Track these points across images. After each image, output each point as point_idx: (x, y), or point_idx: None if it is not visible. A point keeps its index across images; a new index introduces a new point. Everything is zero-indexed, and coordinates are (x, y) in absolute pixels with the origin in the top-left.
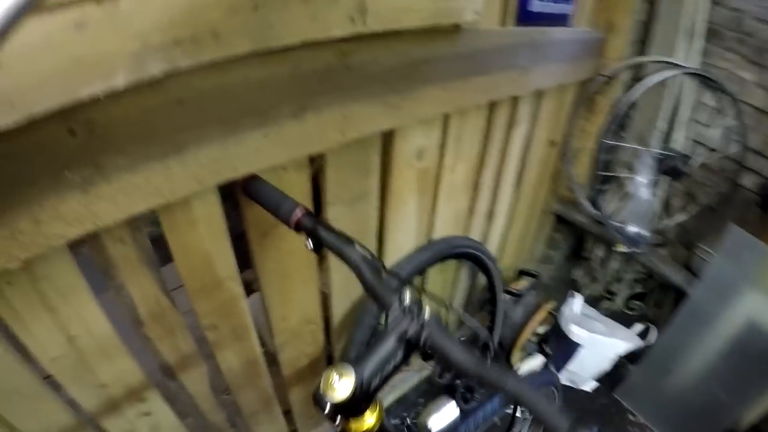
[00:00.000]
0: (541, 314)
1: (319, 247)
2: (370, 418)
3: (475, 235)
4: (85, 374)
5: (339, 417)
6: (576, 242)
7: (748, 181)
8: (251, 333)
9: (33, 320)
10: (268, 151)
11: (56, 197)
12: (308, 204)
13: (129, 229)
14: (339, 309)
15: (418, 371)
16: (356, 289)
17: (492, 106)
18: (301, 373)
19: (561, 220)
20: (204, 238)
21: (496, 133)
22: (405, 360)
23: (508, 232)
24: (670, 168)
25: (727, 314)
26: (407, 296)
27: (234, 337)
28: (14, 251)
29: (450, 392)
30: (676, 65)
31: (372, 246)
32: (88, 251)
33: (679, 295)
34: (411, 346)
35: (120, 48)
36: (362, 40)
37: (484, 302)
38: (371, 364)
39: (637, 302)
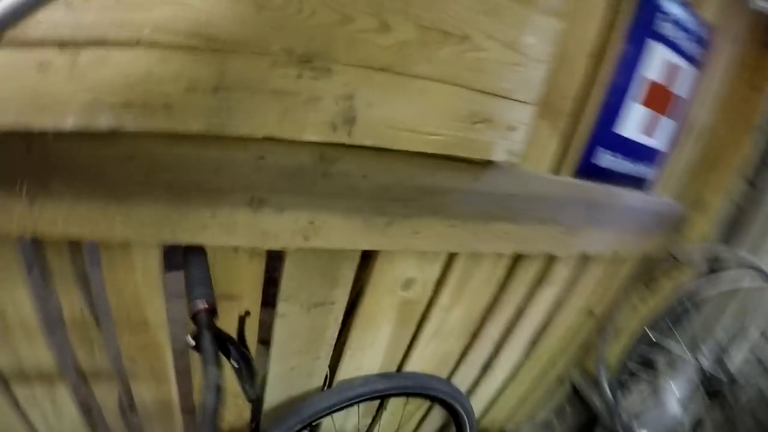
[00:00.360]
0: None
1: (197, 347)
2: None
3: (462, 382)
4: (6, 340)
5: None
6: (587, 422)
7: None
8: (170, 382)
9: None
10: (214, 232)
11: (8, 197)
12: (257, 293)
13: (69, 247)
14: (274, 396)
15: None
16: (300, 386)
17: (517, 258)
18: None
19: (576, 394)
20: (139, 285)
21: (517, 288)
22: None
23: (506, 389)
24: (713, 389)
25: None
26: None
27: (151, 377)
28: None
29: None
30: (764, 273)
31: (324, 358)
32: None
33: None
34: None
35: (73, 95)
36: (350, 149)
37: None
38: None
39: None
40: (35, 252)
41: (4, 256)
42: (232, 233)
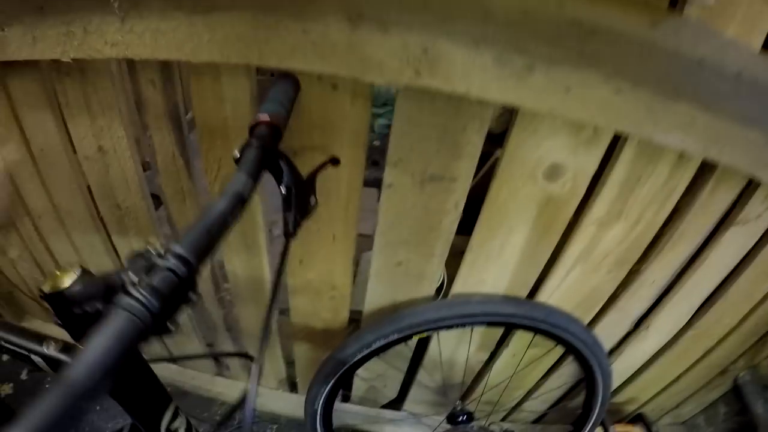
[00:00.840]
0: None
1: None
2: None
3: (605, 336)
4: (106, 186)
5: None
6: (741, 429)
7: None
8: (262, 251)
9: (77, 113)
10: (306, 53)
11: (101, 17)
12: (360, 150)
13: (161, 74)
14: (375, 299)
15: None
16: (406, 289)
17: (704, 171)
18: (310, 332)
19: (737, 394)
20: (228, 120)
21: (697, 217)
22: None
23: (655, 360)
24: None
25: None
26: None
27: (243, 245)
28: (67, 48)
29: None
30: None
31: (438, 256)
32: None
33: None
34: None
35: None
36: None
37: (573, 420)
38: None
39: None
40: (131, 82)
41: (104, 87)
42: (326, 57)
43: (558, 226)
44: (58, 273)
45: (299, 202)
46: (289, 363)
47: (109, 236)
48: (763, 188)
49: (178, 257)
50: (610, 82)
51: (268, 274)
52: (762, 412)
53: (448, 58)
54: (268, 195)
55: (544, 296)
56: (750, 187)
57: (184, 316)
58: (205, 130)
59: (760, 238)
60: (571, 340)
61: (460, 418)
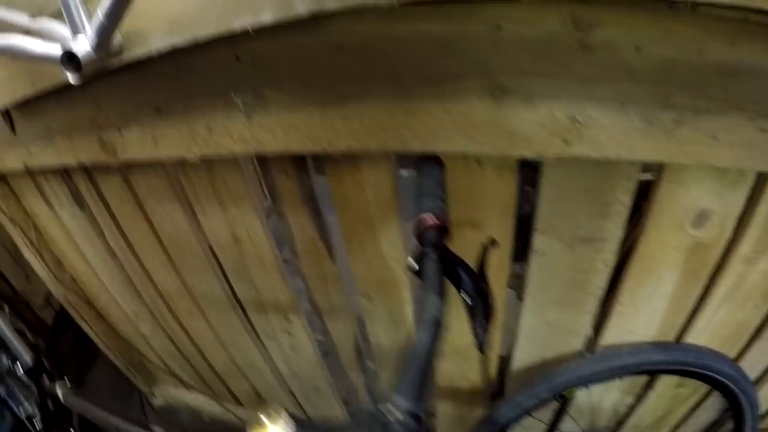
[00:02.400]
0: None
1: (419, 273)
2: None
3: (752, 369)
4: (243, 270)
5: None
6: None
7: None
8: (407, 322)
9: (207, 205)
10: (449, 134)
11: (224, 114)
12: (508, 221)
13: (293, 164)
14: (523, 357)
15: None
16: (555, 347)
17: None
18: (456, 392)
19: None
20: (369, 205)
21: None
22: None
23: None
24: None
25: None
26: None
27: (387, 317)
28: (191, 147)
29: None
30: None
31: (588, 313)
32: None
33: None
34: None
35: None
36: (613, 6)
37: None
38: None
39: None
40: (263, 174)
41: (234, 181)
42: (471, 135)
43: (706, 269)
44: (264, 420)
45: (484, 306)
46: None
47: (246, 314)
48: None
49: (410, 414)
50: (754, 122)
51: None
52: None
53: (596, 123)
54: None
55: (691, 337)
56: None
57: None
58: (345, 215)
59: None
60: (720, 379)
61: None
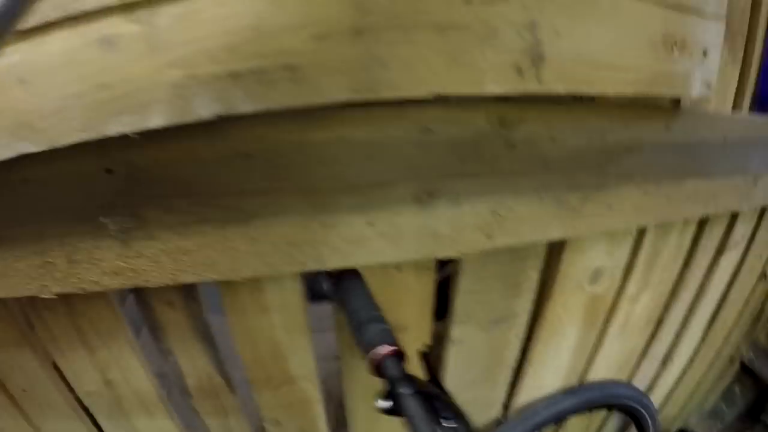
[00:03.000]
0: None
1: (395, 410)
2: None
3: (641, 382)
4: (121, 419)
5: None
6: (757, 399)
7: None
8: None
9: (70, 350)
10: (372, 246)
11: (92, 241)
12: (428, 318)
13: (181, 294)
14: None
15: None
16: (474, 421)
17: (702, 224)
18: None
19: (745, 370)
20: (276, 329)
21: (700, 260)
22: None
23: (681, 380)
24: None
25: None
26: None
27: None
28: (47, 283)
29: None
30: None
31: (503, 384)
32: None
33: None
34: None
35: (155, 76)
36: (535, 103)
37: None
38: None
39: None
40: (140, 306)
41: (102, 317)
42: (398, 243)
43: (601, 317)
44: None
45: (465, 425)
46: None
47: None
48: (743, 216)
49: None
50: (640, 188)
51: None
52: None
53: (516, 214)
54: None
55: (592, 374)
56: (733, 218)
57: None
58: (247, 344)
59: (744, 251)
60: (621, 402)
61: None
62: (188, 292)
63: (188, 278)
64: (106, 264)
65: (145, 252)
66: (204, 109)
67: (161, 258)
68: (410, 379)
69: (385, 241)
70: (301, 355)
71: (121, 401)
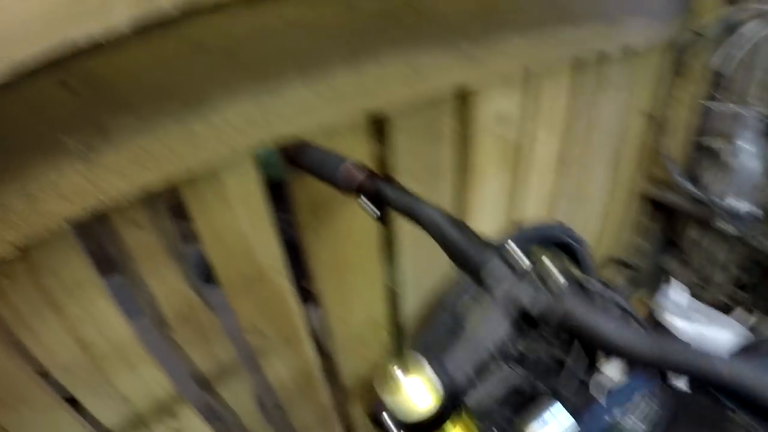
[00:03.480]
0: (635, 306)
1: (378, 207)
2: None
3: (564, 218)
4: (103, 386)
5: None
6: (668, 228)
7: None
8: (304, 337)
9: (37, 321)
10: (315, 108)
11: (53, 168)
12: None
13: (145, 210)
14: (410, 309)
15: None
16: (431, 282)
17: (577, 65)
18: (365, 384)
19: (652, 204)
20: (240, 220)
21: (583, 97)
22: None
23: (598, 218)
24: None
25: None
26: (516, 253)
27: (283, 343)
28: (6, 235)
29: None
30: None
31: None
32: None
33: None
34: (529, 323)
35: None
36: None
37: None
38: (463, 356)
39: (740, 292)
40: (106, 238)
41: (67, 265)
42: (338, 102)
43: (514, 158)
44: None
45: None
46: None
47: None
48: (612, 59)
49: None
50: (523, 35)
51: (312, 355)
52: (677, 200)
53: (427, 65)
54: None
55: (522, 213)
56: (603, 57)
57: None
58: (216, 244)
59: (619, 89)
60: (555, 240)
61: None
62: (153, 206)
63: (152, 178)
64: (69, 189)
65: (111, 164)
66: (167, 2)
67: (127, 168)
68: (388, 180)
69: (325, 103)
70: (268, 245)
71: (101, 363)
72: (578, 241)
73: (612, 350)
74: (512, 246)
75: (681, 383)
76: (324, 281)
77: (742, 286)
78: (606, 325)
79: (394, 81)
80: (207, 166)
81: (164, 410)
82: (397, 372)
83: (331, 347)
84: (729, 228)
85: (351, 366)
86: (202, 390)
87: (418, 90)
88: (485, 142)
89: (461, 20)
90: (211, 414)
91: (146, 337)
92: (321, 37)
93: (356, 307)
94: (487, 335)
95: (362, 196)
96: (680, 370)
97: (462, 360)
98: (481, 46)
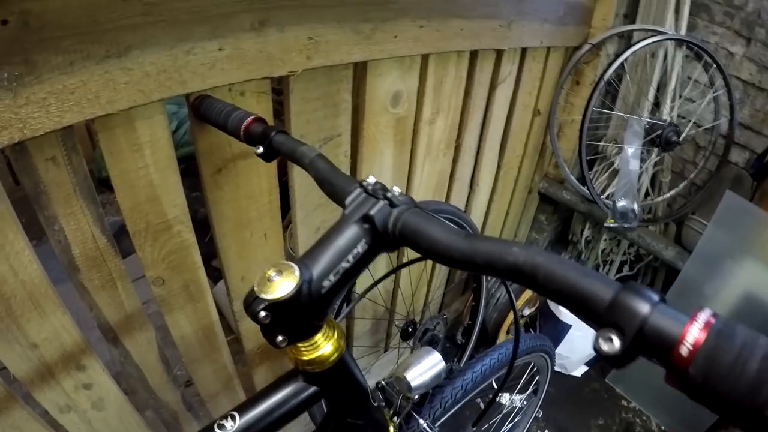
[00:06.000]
0: (527, 294)
1: (270, 155)
2: (325, 344)
3: (457, 203)
4: (12, 329)
5: (282, 338)
6: (561, 225)
7: (738, 156)
8: (206, 293)
9: None
10: (223, 68)
11: None
12: None
13: (64, 148)
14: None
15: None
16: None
17: (473, 59)
18: (267, 350)
19: (546, 200)
20: (149, 167)
21: (478, 90)
22: (369, 255)
23: (491, 206)
24: (661, 138)
25: (723, 287)
26: (371, 180)
27: (185, 297)
28: None
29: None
30: (664, 32)
31: None
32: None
33: (670, 274)
34: (376, 233)
35: None
36: None
37: (467, 281)
38: (323, 257)
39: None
40: (21, 171)
41: None
42: (243, 64)
43: (407, 137)
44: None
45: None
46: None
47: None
48: (506, 54)
49: None
50: (416, 22)
51: (215, 314)
52: (569, 197)
53: (326, 39)
54: None
55: (414, 193)
56: (499, 56)
57: None
58: (126, 189)
59: (515, 88)
60: (453, 220)
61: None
62: (69, 142)
63: (73, 117)
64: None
65: (34, 97)
66: None
67: (49, 101)
68: (274, 127)
69: (232, 64)
70: (173, 194)
71: (10, 303)
72: (469, 223)
73: (435, 252)
74: (372, 179)
75: (576, 372)
76: (226, 238)
77: (627, 279)
78: (432, 228)
79: (295, 51)
80: (123, 113)
81: (72, 361)
82: (272, 272)
83: (231, 307)
84: (613, 225)
85: (251, 328)
86: (108, 340)
87: (316, 61)
88: (379, 118)
89: (359, 2)
90: (118, 370)
91: (56, 280)
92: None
93: (255, 265)
94: (345, 244)
95: (260, 147)
96: (486, 261)
97: (325, 265)
98: (378, 29)
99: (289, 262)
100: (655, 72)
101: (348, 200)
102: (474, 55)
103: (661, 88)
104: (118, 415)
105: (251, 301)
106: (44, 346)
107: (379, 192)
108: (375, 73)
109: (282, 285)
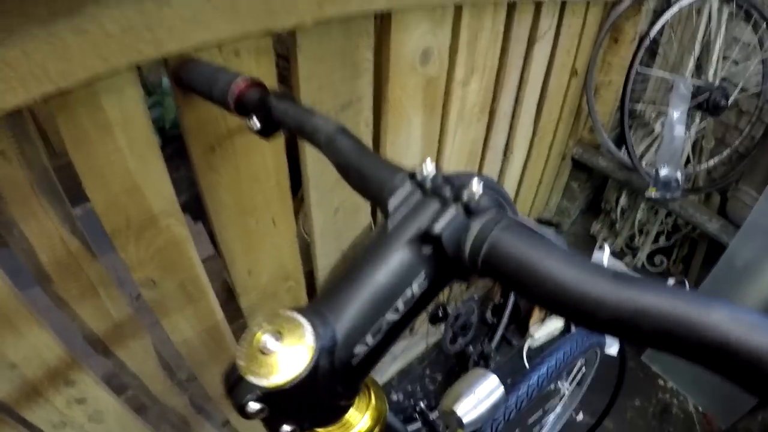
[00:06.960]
0: None
1: (269, 129)
2: (360, 419)
3: (490, 173)
4: None
5: (291, 429)
6: (594, 193)
7: None
8: (207, 291)
9: None
10: (209, 20)
11: None
12: None
13: (14, 140)
14: (325, 260)
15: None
16: (348, 232)
17: (511, 11)
18: None
19: (579, 167)
20: (123, 153)
21: (516, 47)
22: (430, 294)
23: (524, 175)
24: (708, 101)
25: None
26: (429, 168)
27: (183, 298)
28: None
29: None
30: None
31: None
32: None
33: (711, 248)
34: (443, 260)
35: None
36: None
37: None
38: (352, 306)
39: (661, 257)
40: None
41: None
42: (236, 15)
43: (438, 101)
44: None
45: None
46: None
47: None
48: (546, 6)
49: None
50: None
51: (219, 313)
52: (605, 164)
53: None
54: None
55: (446, 164)
56: (538, 8)
57: None
58: (95, 181)
59: (553, 44)
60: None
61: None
62: (24, 136)
63: (18, 97)
64: None
65: None
66: None
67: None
68: (274, 93)
69: (221, 16)
70: (158, 183)
71: None
72: (504, 196)
73: (552, 300)
74: (430, 165)
75: (611, 350)
76: (226, 229)
77: (663, 251)
78: (550, 263)
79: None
80: (83, 87)
81: (59, 377)
82: (265, 336)
83: (239, 303)
84: (655, 195)
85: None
86: (98, 352)
87: (328, 10)
88: (406, 78)
89: None
90: (114, 381)
91: (26, 292)
92: None
93: (264, 255)
94: (386, 279)
95: (253, 117)
96: (662, 328)
97: (352, 313)
98: None
99: (295, 314)
100: (699, 31)
101: (392, 203)
102: (512, 6)
103: (704, 48)
104: (120, 425)
105: (233, 384)
106: (24, 366)
107: (445, 189)
108: (402, 26)
109: (285, 361)
